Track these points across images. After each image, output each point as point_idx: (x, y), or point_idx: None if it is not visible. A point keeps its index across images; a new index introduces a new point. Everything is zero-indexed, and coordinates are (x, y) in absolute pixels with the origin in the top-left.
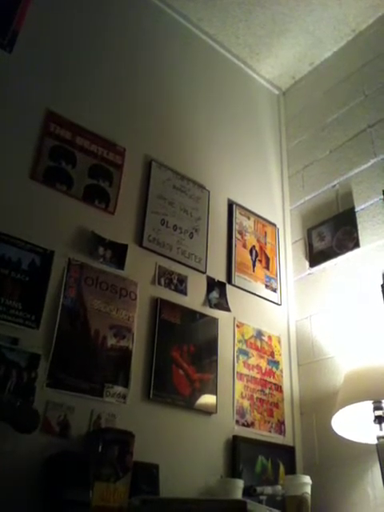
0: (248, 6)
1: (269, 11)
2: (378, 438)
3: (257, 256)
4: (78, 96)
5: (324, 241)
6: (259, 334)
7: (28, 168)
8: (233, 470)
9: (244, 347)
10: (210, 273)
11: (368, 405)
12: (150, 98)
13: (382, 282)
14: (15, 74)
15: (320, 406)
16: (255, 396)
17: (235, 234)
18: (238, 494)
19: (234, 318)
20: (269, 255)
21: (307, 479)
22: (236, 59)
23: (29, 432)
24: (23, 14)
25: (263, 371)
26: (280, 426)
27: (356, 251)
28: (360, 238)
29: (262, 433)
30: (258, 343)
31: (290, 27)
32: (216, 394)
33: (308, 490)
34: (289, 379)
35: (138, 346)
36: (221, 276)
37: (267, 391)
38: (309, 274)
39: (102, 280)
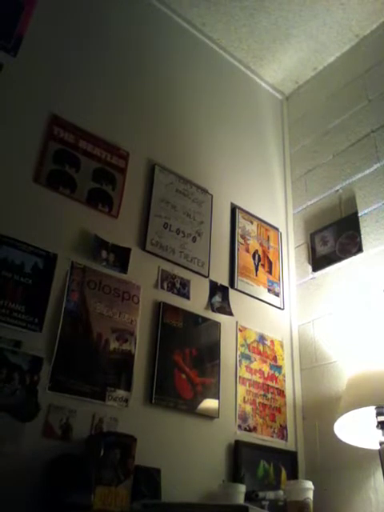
0: (251, 11)
1: (272, 16)
2: (381, 443)
3: (259, 260)
4: (82, 100)
5: (327, 245)
6: (262, 339)
7: (32, 171)
8: (235, 475)
9: (246, 351)
10: (212, 277)
11: (371, 410)
12: (154, 102)
13: None
14: (19, 78)
15: (322, 410)
16: (257, 400)
17: (238, 238)
18: (240, 499)
19: (237, 322)
20: (271, 259)
21: (309, 484)
22: (239, 64)
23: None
24: (27, 18)
25: (265, 376)
26: (282, 431)
27: (359, 256)
28: (363, 242)
29: (264, 437)
30: (261, 347)
31: (294, 32)
32: (218, 399)
33: (310, 495)
34: (291, 384)
35: (140, 350)
36: (223, 280)
37: (269, 396)
38: (312, 278)
39: (104, 283)
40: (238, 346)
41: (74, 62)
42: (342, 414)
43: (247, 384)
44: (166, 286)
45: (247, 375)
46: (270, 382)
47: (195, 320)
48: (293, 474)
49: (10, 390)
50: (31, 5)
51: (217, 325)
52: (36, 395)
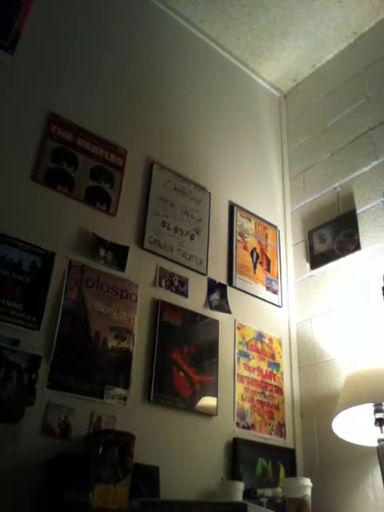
0: (249, 8)
1: (270, 14)
2: (379, 440)
3: (258, 258)
4: (80, 98)
5: (325, 243)
6: (260, 336)
7: (30, 170)
8: (233, 473)
9: (245, 349)
10: (210, 275)
11: (369, 407)
12: (152, 100)
13: (382, 285)
14: (17, 76)
15: (321, 408)
16: (256, 398)
17: (236, 236)
18: (239, 497)
19: (235, 320)
20: (270, 257)
21: (308, 482)
22: (237, 61)
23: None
24: (25, 16)
25: (264, 373)
26: (280, 429)
27: (357, 253)
28: (361, 240)
29: (262, 435)
30: (259, 345)
31: (292, 30)
32: (216, 396)
33: (308, 492)
34: (289, 381)
35: (138, 348)
36: (222, 278)
37: (268, 393)
38: (310, 276)
39: (102, 282)
40: (237, 343)
41: (71, 60)
42: (340, 412)
43: (245, 382)
44: (164, 284)
45: (245, 373)
46: (268, 380)
47: (193, 318)
48: (291, 472)
49: None
50: (29, 2)
51: (215, 323)
52: (34, 399)
